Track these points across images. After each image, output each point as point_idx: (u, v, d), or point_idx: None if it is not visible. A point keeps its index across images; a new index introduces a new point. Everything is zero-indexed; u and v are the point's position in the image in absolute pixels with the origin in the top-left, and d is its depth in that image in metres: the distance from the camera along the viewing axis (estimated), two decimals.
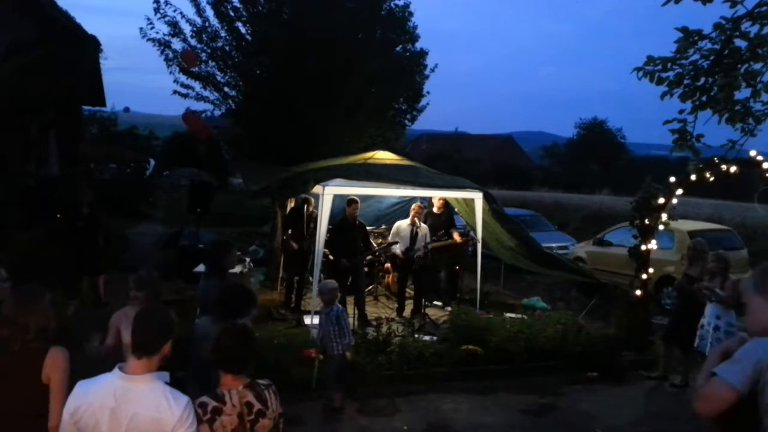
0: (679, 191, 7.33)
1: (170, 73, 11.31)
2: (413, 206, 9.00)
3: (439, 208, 9.23)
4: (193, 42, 11.30)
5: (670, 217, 7.59)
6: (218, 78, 11.70)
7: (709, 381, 2.16)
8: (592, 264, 11.56)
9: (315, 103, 10.70)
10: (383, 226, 10.33)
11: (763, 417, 2.05)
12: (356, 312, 8.04)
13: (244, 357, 2.73)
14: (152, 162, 31.18)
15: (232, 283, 4.69)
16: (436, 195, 9.11)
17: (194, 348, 3.82)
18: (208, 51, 11.44)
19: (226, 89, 11.78)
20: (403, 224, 8.86)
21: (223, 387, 2.68)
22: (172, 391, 2.48)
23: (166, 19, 11.12)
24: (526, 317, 8.14)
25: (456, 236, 9.12)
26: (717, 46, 4.34)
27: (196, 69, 11.24)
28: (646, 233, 7.56)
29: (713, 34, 4.29)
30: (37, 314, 2.90)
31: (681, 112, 4.71)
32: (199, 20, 11.40)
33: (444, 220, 9.17)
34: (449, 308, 8.94)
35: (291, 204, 9.83)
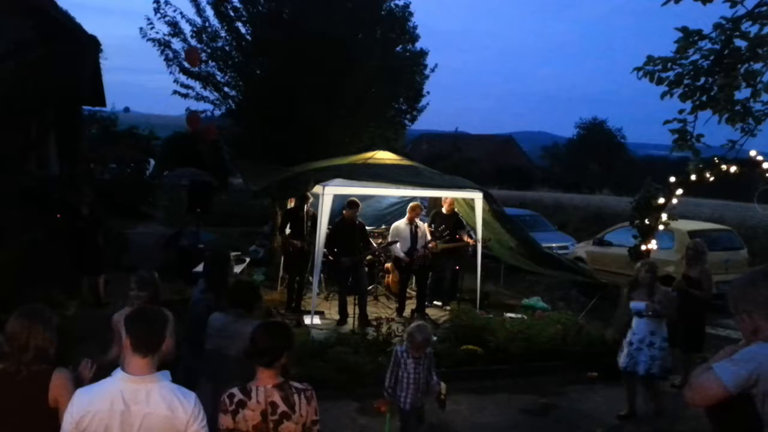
0: (679, 191, 7.33)
1: (170, 73, 11.33)
2: (411, 205, 8.99)
3: (448, 209, 9.18)
4: (193, 42, 11.31)
5: (670, 217, 7.59)
6: (218, 78, 11.71)
7: (704, 373, 2.19)
8: (592, 264, 11.54)
9: (315, 104, 10.71)
10: (383, 226, 10.34)
11: (764, 426, 2.07)
12: (357, 312, 8.05)
13: (272, 350, 2.74)
14: (152, 162, 31.12)
15: (239, 279, 4.75)
16: (436, 195, 9.13)
17: (207, 341, 3.88)
18: (208, 51, 11.45)
19: (226, 89, 11.79)
20: (401, 224, 8.84)
21: (255, 383, 2.72)
22: (180, 388, 2.48)
23: (166, 19, 11.14)
24: (526, 317, 8.15)
25: (466, 237, 9.08)
26: (717, 46, 4.33)
27: (197, 69, 11.24)
28: (646, 233, 7.56)
29: (713, 34, 4.28)
30: (39, 336, 2.80)
31: (681, 112, 4.70)
32: (199, 20, 11.43)
33: (453, 221, 9.12)
34: (449, 308, 8.94)
35: (291, 204, 9.84)
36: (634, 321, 5.73)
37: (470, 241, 9.14)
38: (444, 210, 9.23)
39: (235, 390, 2.70)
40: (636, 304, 5.67)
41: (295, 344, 2.95)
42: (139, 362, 2.44)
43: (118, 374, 2.44)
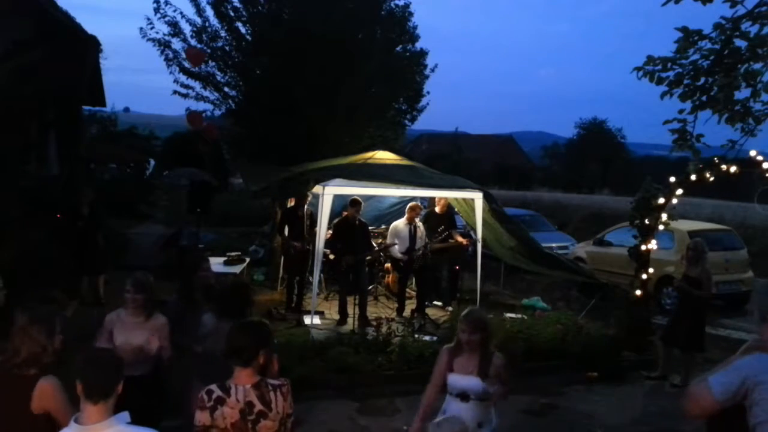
0: (679, 191, 7.34)
1: (170, 73, 11.31)
2: (410, 205, 8.98)
3: (441, 209, 9.20)
4: (193, 42, 11.31)
5: (670, 217, 7.59)
6: (218, 78, 11.69)
7: (699, 384, 2.18)
8: (592, 264, 11.55)
9: (315, 103, 10.70)
10: (383, 226, 10.33)
11: None
12: (357, 312, 8.04)
13: (248, 349, 2.71)
14: (152, 162, 31.13)
15: (230, 280, 4.73)
16: (436, 195, 9.11)
17: (200, 343, 3.88)
18: (208, 51, 11.44)
19: (226, 89, 11.78)
20: (400, 224, 8.84)
21: (234, 381, 2.71)
22: (136, 429, 2.38)
23: (166, 19, 11.12)
24: (526, 317, 8.14)
25: (458, 237, 9.10)
26: (717, 46, 4.34)
27: (197, 69, 11.24)
28: (646, 233, 7.56)
29: (713, 34, 4.29)
30: (32, 341, 2.77)
31: (681, 112, 4.71)
32: (199, 20, 11.41)
33: (446, 220, 9.14)
34: (449, 308, 8.94)
35: (291, 204, 9.84)
36: (451, 403, 3.50)
37: (463, 241, 9.15)
38: (437, 210, 9.25)
39: (213, 387, 2.67)
40: (459, 380, 3.45)
41: (272, 342, 2.90)
42: (91, 410, 2.32)
43: (72, 425, 2.33)
